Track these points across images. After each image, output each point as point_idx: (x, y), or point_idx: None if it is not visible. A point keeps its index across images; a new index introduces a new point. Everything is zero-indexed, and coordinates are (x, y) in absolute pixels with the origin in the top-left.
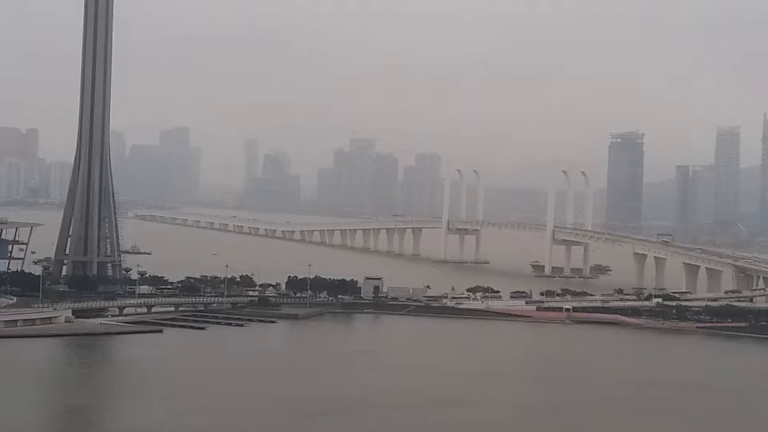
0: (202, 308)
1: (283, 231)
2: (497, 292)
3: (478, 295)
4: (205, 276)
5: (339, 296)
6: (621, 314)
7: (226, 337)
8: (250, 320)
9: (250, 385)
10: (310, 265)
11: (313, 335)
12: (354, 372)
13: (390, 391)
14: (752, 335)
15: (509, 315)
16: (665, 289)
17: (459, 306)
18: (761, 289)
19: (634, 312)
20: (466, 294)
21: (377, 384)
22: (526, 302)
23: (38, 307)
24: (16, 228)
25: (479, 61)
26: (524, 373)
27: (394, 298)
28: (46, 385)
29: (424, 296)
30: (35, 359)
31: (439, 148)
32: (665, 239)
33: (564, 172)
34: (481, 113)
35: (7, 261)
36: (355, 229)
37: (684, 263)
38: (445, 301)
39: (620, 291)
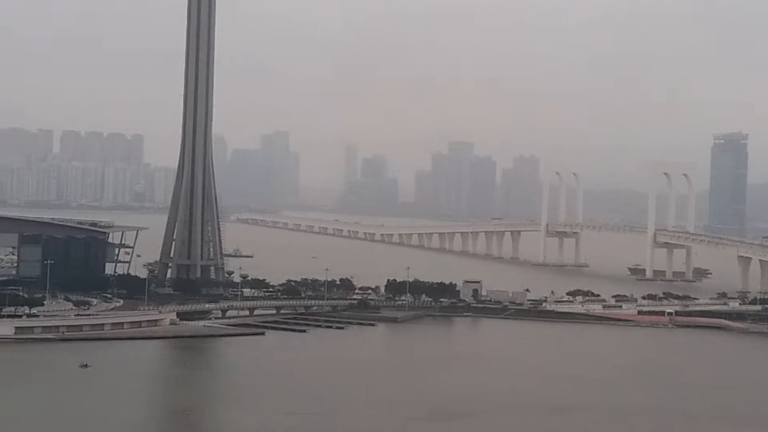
0: (303, 311)
1: (381, 234)
2: (597, 295)
3: (579, 298)
4: (305, 279)
5: (438, 299)
6: (725, 318)
7: (327, 339)
8: (349, 323)
9: (357, 387)
10: (408, 268)
11: (413, 338)
12: (463, 375)
13: (506, 395)
14: None
15: (610, 319)
16: None
17: (559, 309)
18: None
19: (739, 316)
20: (567, 298)
21: (490, 387)
22: (637, 309)
23: (144, 310)
24: (123, 232)
25: (577, 63)
26: (633, 378)
27: (494, 302)
28: (152, 387)
29: (525, 300)
30: (142, 361)
31: (537, 150)
32: None
33: (666, 174)
34: (580, 115)
35: (113, 264)
36: (454, 233)
37: None
38: (544, 304)
39: (724, 295)
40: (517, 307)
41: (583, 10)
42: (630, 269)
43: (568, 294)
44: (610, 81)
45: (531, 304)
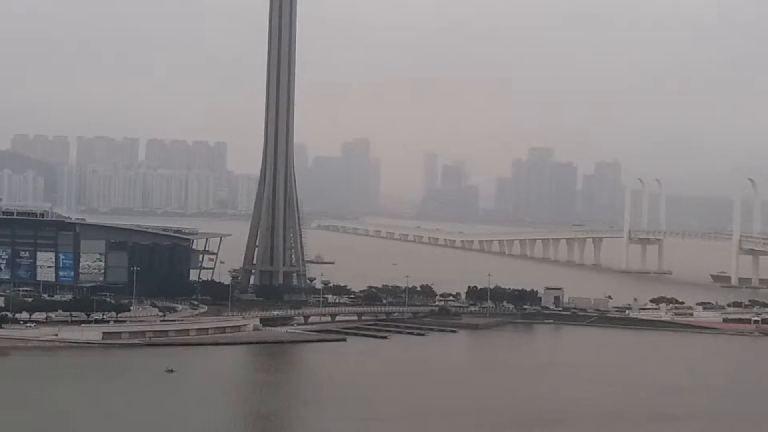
0: (384, 317)
1: (462, 241)
2: (681, 302)
3: (662, 305)
4: (386, 285)
5: (519, 306)
6: None
7: (409, 345)
8: (430, 329)
9: (441, 394)
10: (489, 275)
11: (496, 345)
12: (550, 383)
13: (596, 404)
14: None
15: (695, 326)
16: None
17: (643, 317)
18: None
19: None
20: (650, 305)
21: (580, 395)
22: (722, 317)
23: (228, 316)
24: (206, 238)
25: (655, 63)
26: (724, 386)
27: (576, 308)
28: (236, 391)
29: (609, 307)
30: (226, 366)
31: (619, 156)
32: None
33: (750, 180)
34: (662, 119)
35: (198, 270)
36: (535, 239)
37: None
38: (627, 311)
39: None
40: (600, 315)
41: (661, 10)
42: (714, 276)
43: (651, 301)
44: (691, 82)
45: (616, 310)
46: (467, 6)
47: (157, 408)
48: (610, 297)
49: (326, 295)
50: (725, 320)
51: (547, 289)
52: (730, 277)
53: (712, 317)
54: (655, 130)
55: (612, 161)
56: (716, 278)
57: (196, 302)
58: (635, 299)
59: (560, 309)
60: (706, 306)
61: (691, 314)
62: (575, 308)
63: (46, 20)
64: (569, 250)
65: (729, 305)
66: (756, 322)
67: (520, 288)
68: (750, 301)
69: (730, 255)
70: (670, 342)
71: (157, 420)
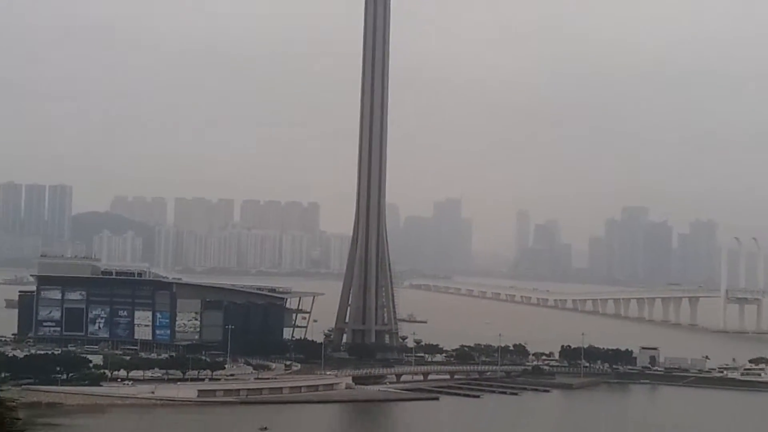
0: (477, 376)
1: (555, 300)
2: None
3: (763, 366)
4: (478, 344)
5: (613, 366)
6: None
7: (502, 405)
8: (524, 389)
9: None
10: (583, 334)
11: (592, 406)
12: None
13: None
14: None
15: None
16: None
17: (743, 378)
18: None
19: None
20: (750, 365)
21: None
22: None
23: (321, 374)
24: (300, 297)
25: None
26: None
27: (676, 368)
28: None
29: (706, 367)
30: (319, 424)
31: (715, 215)
32: None
33: None
34: (761, 176)
35: (291, 329)
36: (629, 298)
37: None
38: (725, 371)
39: None
40: (696, 375)
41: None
42: None
43: (750, 361)
44: None
45: (718, 370)
46: (564, 59)
47: None
48: (707, 357)
49: (419, 354)
50: None
51: (643, 348)
52: None
53: None
54: (752, 187)
55: (707, 220)
56: None
57: (289, 361)
58: (733, 359)
59: (656, 369)
60: None
61: None
62: (672, 368)
63: (140, 76)
64: (665, 309)
65: None
66: None
67: (614, 348)
68: None
69: None
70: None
71: None
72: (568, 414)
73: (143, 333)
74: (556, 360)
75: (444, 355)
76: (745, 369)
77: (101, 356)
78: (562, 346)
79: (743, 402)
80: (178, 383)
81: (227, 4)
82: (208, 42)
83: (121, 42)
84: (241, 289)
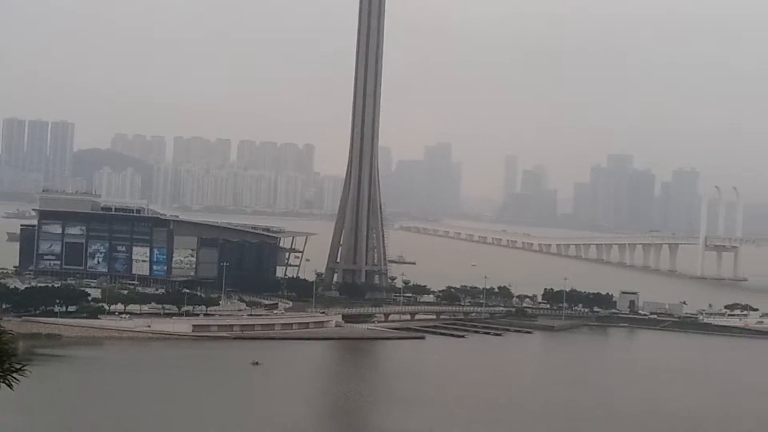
0: (462, 317)
1: (539, 244)
2: (756, 309)
3: (737, 311)
4: (464, 286)
5: (593, 309)
6: None
7: (486, 345)
8: (507, 330)
9: (517, 393)
10: (565, 278)
11: (571, 347)
12: (655, 387)
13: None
14: None
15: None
16: None
17: (717, 323)
18: None
19: None
20: (724, 311)
21: (662, 395)
22: None
23: (312, 312)
24: (293, 237)
25: (746, 73)
26: None
27: (651, 313)
28: (318, 385)
29: (683, 312)
30: (309, 360)
31: (697, 163)
32: None
33: None
34: (743, 127)
35: (284, 267)
36: (611, 244)
37: None
38: (701, 317)
39: None
40: (673, 319)
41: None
42: None
43: (725, 307)
44: None
45: (686, 316)
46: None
47: (241, 399)
48: (684, 302)
49: (407, 294)
50: None
51: (623, 293)
52: None
53: None
54: (734, 138)
55: (690, 169)
56: None
57: (280, 298)
58: (709, 305)
59: (635, 313)
60: None
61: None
62: (649, 313)
63: (148, 20)
64: (645, 255)
65: None
66: None
67: (595, 291)
68: None
69: None
70: (749, 346)
71: (242, 410)
72: (548, 354)
73: (141, 268)
74: (539, 302)
75: (431, 295)
76: (729, 314)
77: (99, 290)
78: (545, 289)
79: (716, 345)
80: (174, 318)
81: None
82: None
83: None
84: (237, 227)
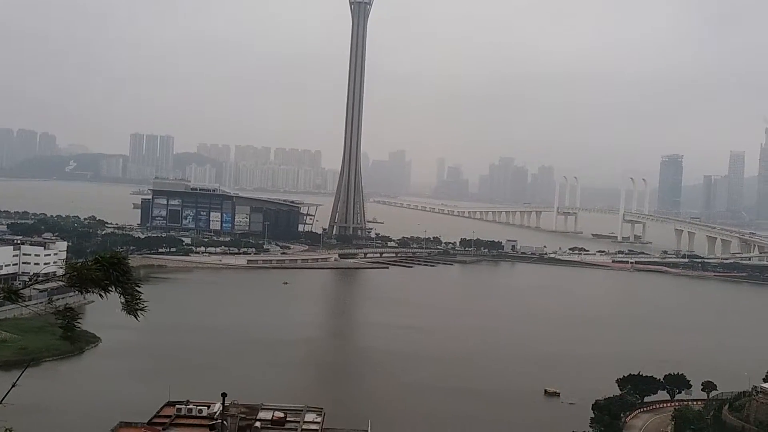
0: (411, 255)
1: (458, 212)
2: (587, 250)
3: (576, 251)
4: (413, 236)
5: (490, 250)
6: (666, 266)
7: (425, 271)
8: (437, 263)
9: (448, 299)
10: (473, 231)
11: (477, 273)
12: (528, 296)
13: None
14: (750, 282)
15: (594, 265)
16: (694, 251)
17: (563, 258)
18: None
19: (674, 265)
20: (568, 251)
21: (540, 302)
22: (611, 259)
23: (319, 252)
24: (308, 207)
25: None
26: (609, 297)
27: (524, 253)
28: (324, 295)
29: (544, 252)
30: (318, 281)
31: (553, 162)
32: (695, 220)
33: (631, 178)
34: (583, 138)
35: (303, 225)
36: (500, 211)
37: (707, 236)
38: (553, 254)
39: (665, 252)
40: (537, 256)
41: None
42: (608, 236)
43: (569, 249)
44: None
45: (545, 254)
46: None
47: (277, 303)
48: (545, 246)
49: (377, 241)
50: (613, 261)
51: (507, 240)
52: (617, 236)
53: (605, 259)
54: (577, 145)
55: (549, 165)
56: (610, 237)
57: (301, 243)
58: (559, 248)
59: (515, 253)
60: (602, 252)
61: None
62: (524, 253)
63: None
64: (521, 218)
65: (616, 252)
66: (631, 263)
67: (491, 240)
68: (629, 250)
69: (618, 223)
70: (581, 273)
71: (277, 311)
72: (462, 277)
73: (215, 225)
74: (457, 246)
75: (393, 242)
76: (570, 253)
77: (190, 238)
78: (461, 239)
79: (563, 271)
80: (235, 255)
81: None
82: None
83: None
84: (274, 200)
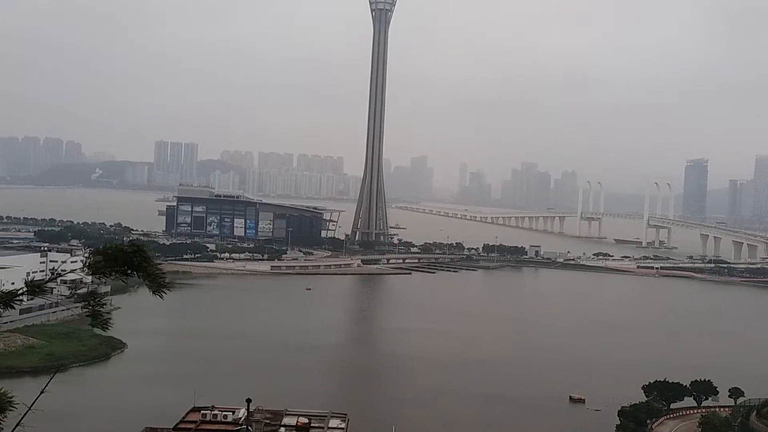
0: (433, 261)
1: (480, 217)
2: (611, 255)
3: (600, 257)
4: (435, 242)
5: (513, 256)
6: (692, 272)
7: (447, 277)
8: (461, 269)
9: (469, 304)
10: (496, 237)
11: (501, 278)
12: (553, 301)
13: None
14: None
15: (619, 270)
16: (720, 257)
17: (587, 264)
18: None
19: (700, 271)
20: (593, 257)
21: (562, 308)
22: (636, 264)
23: (343, 258)
24: (330, 213)
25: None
26: (633, 302)
27: (548, 258)
28: (346, 300)
29: (567, 257)
30: (341, 286)
31: (576, 167)
32: (720, 225)
33: (656, 183)
34: (604, 143)
35: (326, 231)
36: (524, 216)
37: (733, 241)
38: (577, 260)
39: (691, 257)
40: (561, 261)
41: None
42: (632, 241)
43: (593, 254)
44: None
45: (569, 260)
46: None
47: (300, 309)
48: (568, 252)
49: (400, 247)
50: (638, 266)
51: (531, 246)
52: (641, 241)
53: (630, 265)
54: (598, 150)
55: (572, 171)
56: (634, 242)
57: (323, 250)
58: (584, 253)
59: (539, 258)
60: (626, 258)
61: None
62: (548, 258)
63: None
64: (545, 223)
65: (641, 258)
66: (657, 268)
67: (514, 245)
68: (654, 256)
69: (642, 228)
70: (604, 278)
71: (301, 316)
72: (486, 282)
73: (239, 231)
74: (480, 252)
75: (415, 248)
76: (594, 258)
77: (214, 245)
78: (485, 244)
79: (588, 277)
80: (259, 261)
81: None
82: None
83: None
84: (297, 206)
